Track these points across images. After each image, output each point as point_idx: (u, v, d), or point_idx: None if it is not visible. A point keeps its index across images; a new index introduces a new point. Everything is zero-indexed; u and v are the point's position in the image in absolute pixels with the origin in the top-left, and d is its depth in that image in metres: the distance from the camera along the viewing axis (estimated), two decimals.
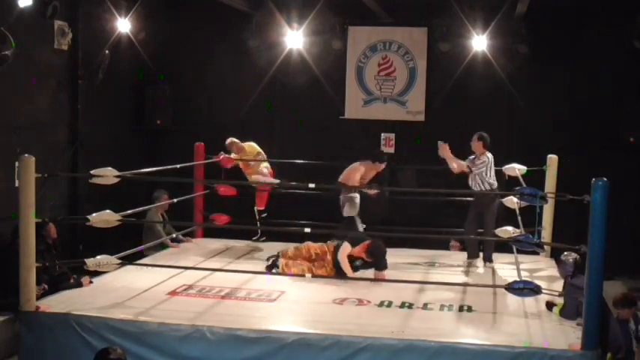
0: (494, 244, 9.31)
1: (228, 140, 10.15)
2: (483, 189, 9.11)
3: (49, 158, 9.36)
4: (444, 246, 10.51)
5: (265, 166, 10.15)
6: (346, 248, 8.35)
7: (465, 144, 9.60)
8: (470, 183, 9.25)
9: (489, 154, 9.16)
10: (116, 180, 7.50)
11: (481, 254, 9.43)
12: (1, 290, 7.64)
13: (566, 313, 6.99)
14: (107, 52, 10.61)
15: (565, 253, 7.28)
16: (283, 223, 9.79)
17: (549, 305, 7.25)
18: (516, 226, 9.17)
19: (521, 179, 9.03)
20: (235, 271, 8.41)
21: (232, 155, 10.17)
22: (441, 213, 11.15)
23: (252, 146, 10.26)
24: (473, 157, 9.26)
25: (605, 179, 6.16)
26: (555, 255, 8.39)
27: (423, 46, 12.01)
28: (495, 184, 9.23)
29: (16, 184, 7.65)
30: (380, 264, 8.39)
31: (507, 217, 9.62)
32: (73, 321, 6.71)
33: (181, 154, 10.36)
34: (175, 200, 10.07)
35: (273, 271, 8.42)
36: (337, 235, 8.77)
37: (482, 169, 9.10)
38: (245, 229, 10.00)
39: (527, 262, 9.23)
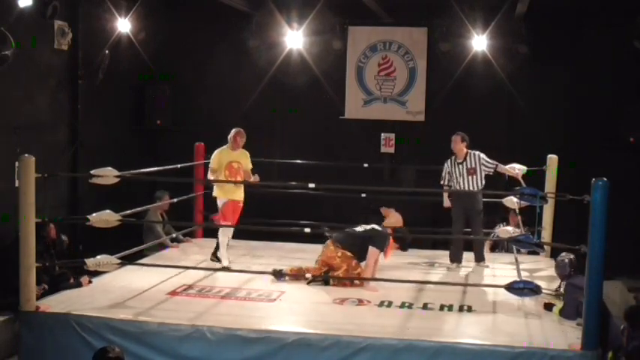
0: (484, 243, 9.31)
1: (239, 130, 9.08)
2: (480, 187, 9.10)
3: (49, 158, 9.34)
4: (444, 246, 10.50)
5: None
6: (374, 253, 8.18)
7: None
8: (461, 183, 9.11)
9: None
10: (116, 180, 7.50)
11: (465, 255, 9.42)
12: (1, 290, 7.63)
13: (566, 313, 6.99)
14: (107, 52, 10.60)
15: (562, 254, 7.30)
16: (283, 223, 9.78)
17: (548, 306, 7.25)
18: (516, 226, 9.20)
19: (521, 179, 9.03)
20: (235, 271, 8.41)
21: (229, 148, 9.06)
22: (441, 213, 11.15)
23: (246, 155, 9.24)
24: (454, 158, 9.17)
25: (605, 179, 6.16)
26: (555, 255, 8.39)
27: (423, 46, 12.01)
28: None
29: (16, 184, 7.65)
30: (405, 245, 8.44)
31: (507, 217, 9.64)
32: (73, 321, 6.72)
33: (181, 154, 10.36)
34: (175, 200, 10.07)
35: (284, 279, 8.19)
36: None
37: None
38: (245, 229, 9.99)
39: (527, 262, 9.23)
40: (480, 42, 11.22)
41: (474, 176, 9.08)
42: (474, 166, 9.08)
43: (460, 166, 9.13)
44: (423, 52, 12.01)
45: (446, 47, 11.59)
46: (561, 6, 11.14)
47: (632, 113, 11.03)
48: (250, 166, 9.10)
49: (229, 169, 8.98)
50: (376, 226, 8.44)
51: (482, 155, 9.13)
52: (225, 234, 8.96)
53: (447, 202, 9.35)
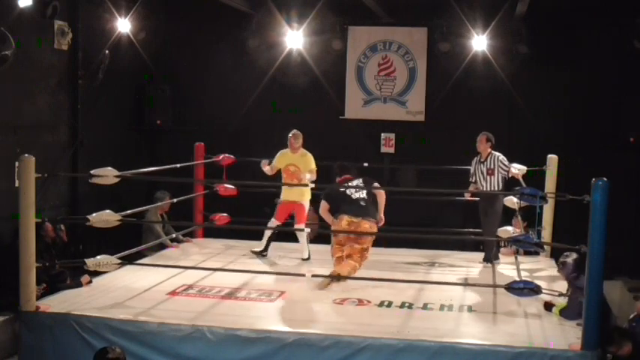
0: (494, 245, 9.32)
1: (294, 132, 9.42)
2: (498, 188, 9.16)
3: (49, 158, 9.36)
4: (444, 246, 10.50)
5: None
6: (382, 195, 8.39)
7: (465, 144, 9.61)
8: (482, 182, 9.21)
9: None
10: (116, 180, 7.52)
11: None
12: (1, 290, 7.63)
13: (567, 313, 6.98)
14: (107, 52, 10.60)
15: (565, 253, 7.27)
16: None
17: (548, 306, 7.25)
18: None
19: (521, 179, 9.03)
20: (235, 271, 8.42)
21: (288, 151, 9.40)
22: (441, 213, 11.16)
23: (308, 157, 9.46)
24: (479, 157, 9.25)
25: (605, 179, 6.16)
26: (555, 255, 8.40)
27: (423, 46, 12.00)
28: None
29: (16, 184, 7.65)
30: None
31: (507, 217, 9.64)
32: (73, 321, 6.72)
33: (181, 154, 10.36)
34: (175, 200, 10.07)
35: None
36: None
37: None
38: (245, 229, 9.99)
39: (527, 262, 9.24)
40: (479, 42, 11.21)
41: (492, 177, 9.18)
42: (492, 167, 9.19)
43: (482, 165, 9.26)
44: (423, 52, 12.00)
45: (446, 47, 11.57)
46: (561, 6, 11.14)
47: (632, 113, 11.03)
48: (311, 167, 9.27)
49: (286, 172, 9.39)
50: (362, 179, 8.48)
51: (502, 158, 9.21)
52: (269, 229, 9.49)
53: (467, 196, 9.66)
